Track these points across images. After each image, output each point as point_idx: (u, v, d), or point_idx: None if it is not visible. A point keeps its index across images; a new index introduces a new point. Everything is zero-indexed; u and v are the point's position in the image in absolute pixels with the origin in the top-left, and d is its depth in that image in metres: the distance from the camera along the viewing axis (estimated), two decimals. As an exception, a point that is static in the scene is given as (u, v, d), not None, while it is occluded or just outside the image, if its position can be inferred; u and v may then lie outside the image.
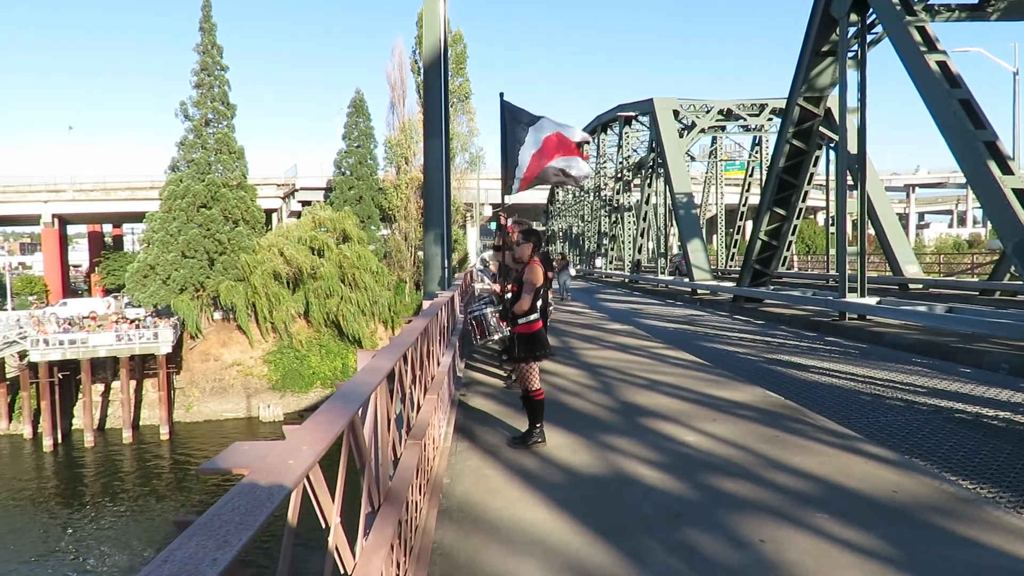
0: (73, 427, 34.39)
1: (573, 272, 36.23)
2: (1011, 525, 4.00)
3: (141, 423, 35.21)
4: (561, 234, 63.19)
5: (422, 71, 13.76)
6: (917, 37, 12.35)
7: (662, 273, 31.73)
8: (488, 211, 59.74)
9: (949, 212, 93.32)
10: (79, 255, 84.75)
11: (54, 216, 55.95)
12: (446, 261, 11.57)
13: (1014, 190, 10.51)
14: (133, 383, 34.83)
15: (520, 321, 5.74)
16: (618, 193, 40.73)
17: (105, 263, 59.77)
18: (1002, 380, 9.24)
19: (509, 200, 7.03)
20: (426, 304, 8.31)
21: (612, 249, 42.91)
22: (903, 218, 72.12)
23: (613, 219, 42.38)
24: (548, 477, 4.98)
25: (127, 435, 33.48)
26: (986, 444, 6.23)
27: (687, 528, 3.98)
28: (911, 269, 22.71)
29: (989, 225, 37.42)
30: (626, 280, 35.71)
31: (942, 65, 11.97)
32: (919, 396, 8.33)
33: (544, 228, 63.76)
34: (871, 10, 14.27)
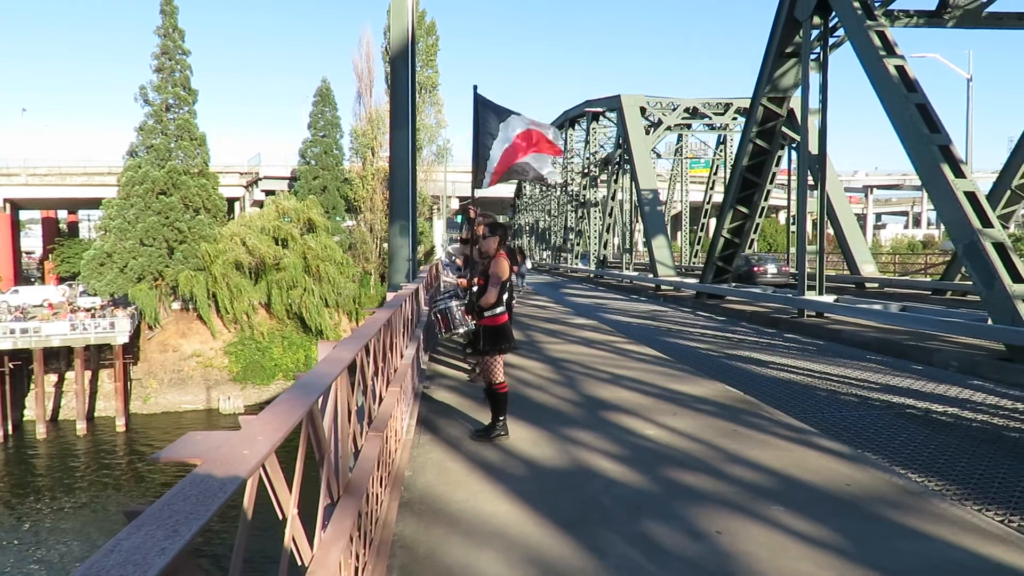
0: (24, 418, 33.44)
1: (530, 265, 36.41)
2: (956, 517, 4.14)
3: (96, 414, 34.39)
4: (528, 228, 63.32)
5: (390, 61, 13.63)
6: (877, 41, 12.62)
7: (628, 268, 32.01)
8: (455, 204, 59.52)
9: (905, 213, 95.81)
10: (32, 241, 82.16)
11: (6, 201, 54.12)
12: (412, 253, 11.52)
13: (965, 193, 10.83)
14: (88, 374, 33.97)
15: (486, 314, 5.75)
16: (585, 188, 40.96)
17: (59, 250, 58.07)
18: (951, 377, 9.54)
19: (477, 193, 7.03)
20: (390, 296, 8.26)
21: (578, 244, 43.15)
22: (861, 218, 73.88)
23: (579, 214, 42.61)
24: (510, 470, 4.99)
25: (81, 426, 32.66)
26: (934, 439, 6.43)
27: (646, 520, 4.03)
28: (868, 268, 23.28)
29: (942, 227, 38.58)
30: (591, 275, 35.96)
31: (900, 69, 12.26)
32: (872, 392, 8.55)
33: (510, 222, 63.82)
34: (833, 14, 14.55)
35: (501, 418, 5.76)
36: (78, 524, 22.93)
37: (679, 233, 50.48)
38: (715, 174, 42.07)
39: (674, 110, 32.28)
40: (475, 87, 6.95)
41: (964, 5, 14.30)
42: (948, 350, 10.80)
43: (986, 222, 10.56)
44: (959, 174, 11.08)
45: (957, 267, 19.24)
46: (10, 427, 32.08)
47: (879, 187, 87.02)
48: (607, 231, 36.58)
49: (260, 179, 56.44)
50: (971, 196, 10.85)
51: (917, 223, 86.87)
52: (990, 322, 10.25)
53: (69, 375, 34.24)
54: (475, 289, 6.01)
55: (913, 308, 13.48)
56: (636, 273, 30.63)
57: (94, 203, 47.55)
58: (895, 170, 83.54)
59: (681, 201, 48.63)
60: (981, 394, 8.43)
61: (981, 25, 14.78)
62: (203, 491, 1.22)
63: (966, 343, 11.28)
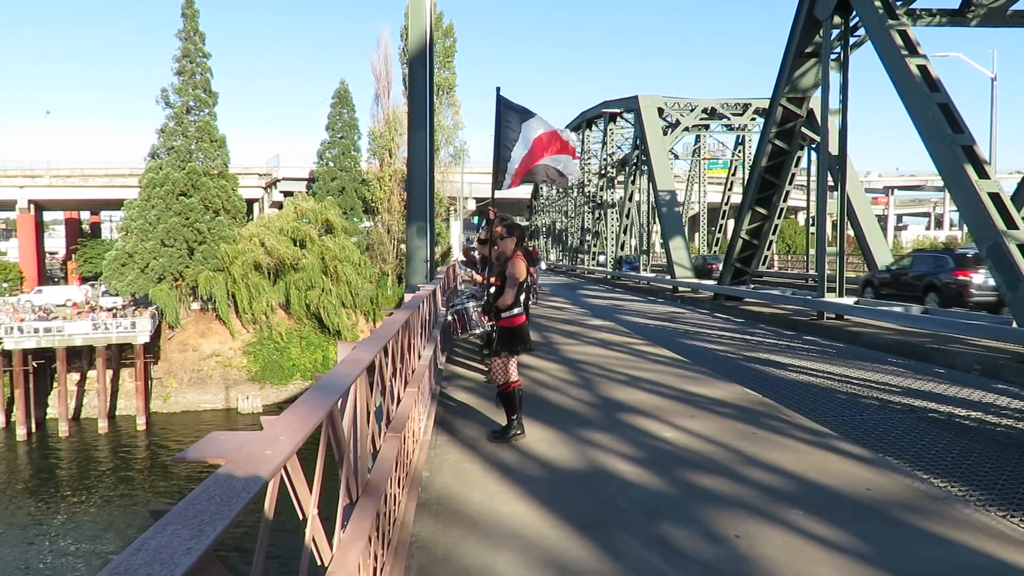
0: (48, 416, 33.92)
1: (544, 266, 36.35)
2: (980, 523, 4.08)
3: (117, 413, 34.80)
4: (545, 229, 63.28)
5: (408, 62, 13.69)
6: (899, 41, 12.48)
7: (645, 269, 31.87)
8: (472, 205, 59.61)
9: (927, 214, 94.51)
10: (55, 242, 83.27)
11: (30, 202, 54.93)
12: (429, 254, 11.55)
13: (990, 194, 10.67)
14: (110, 373, 34.39)
15: (503, 315, 5.75)
16: (602, 190, 40.81)
17: (82, 251, 58.92)
18: (974, 380, 9.41)
19: (495, 195, 7.02)
20: (408, 297, 8.29)
21: (595, 245, 43.02)
22: (882, 219, 72.94)
23: (596, 215, 42.48)
24: (527, 471, 4.99)
25: (103, 425, 33.08)
26: (957, 443, 6.34)
27: (664, 523, 4.01)
28: (889, 270, 22.97)
29: (965, 228, 37.97)
30: (608, 276, 35.86)
31: (922, 69, 12.11)
32: (894, 395, 8.45)
33: (528, 223, 63.80)
34: (854, 13, 14.40)
35: (514, 417, 5.75)
36: (103, 520, 23.23)
37: (697, 234, 50.22)
38: (733, 175, 41.83)
39: (692, 111, 32.10)
40: (497, 88, 6.93)
41: (988, 4, 14.09)
42: (971, 353, 10.65)
43: (1011, 223, 10.41)
44: (983, 175, 10.92)
45: (980, 269, 18.94)
46: (34, 425, 32.56)
47: (900, 188, 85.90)
48: (624, 232, 36.45)
49: (279, 180, 56.85)
50: (995, 197, 10.70)
51: (939, 224, 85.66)
52: (1015, 325, 10.09)
53: (91, 374, 34.69)
54: (492, 290, 6.01)
55: (935, 310, 13.30)
56: (653, 274, 30.50)
57: (116, 204, 48.15)
58: (916, 171, 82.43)
59: (699, 202, 48.37)
60: (1005, 398, 8.31)
61: (1006, 24, 14.56)
62: (227, 491, 1.23)
63: (990, 346, 11.11)
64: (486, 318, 6.12)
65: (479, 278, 8.08)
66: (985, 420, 7.24)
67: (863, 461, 5.23)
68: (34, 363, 32.70)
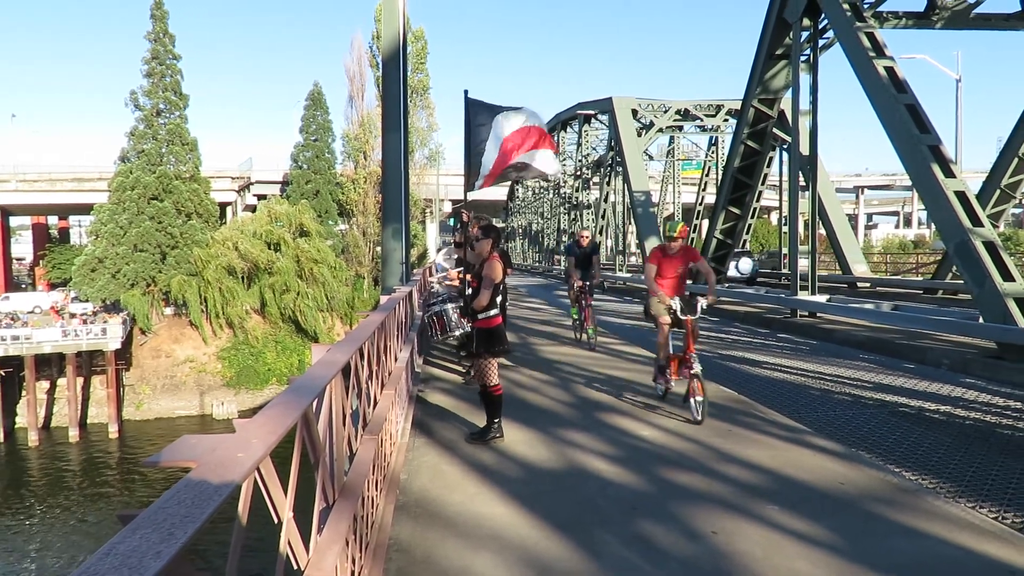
0: (16, 425, 33.17)
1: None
2: (950, 514, 4.16)
3: (89, 421, 34.16)
4: (521, 231, 63.34)
5: (380, 65, 13.61)
6: (866, 43, 12.70)
7: (621, 270, 32.04)
8: (448, 207, 59.47)
9: (896, 213, 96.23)
10: (22, 247, 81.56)
11: (-5, 207, 53.84)
12: (405, 256, 11.50)
13: (956, 193, 10.89)
14: (80, 380, 33.75)
15: (480, 316, 5.74)
16: (577, 191, 40.97)
17: (50, 256, 57.76)
18: (943, 375, 9.59)
19: (470, 196, 6.99)
20: (384, 299, 8.24)
21: (571, 246, 43.08)
22: (852, 219, 74.10)
23: (572, 216, 42.62)
24: (506, 472, 4.99)
25: (74, 433, 32.44)
26: (928, 437, 6.45)
27: (642, 521, 4.03)
28: (860, 268, 23.38)
29: (933, 227, 38.78)
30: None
31: (889, 71, 12.33)
32: (866, 391, 8.58)
33: (504, 225, 63.82)
34: (823, 15, 14.63)
35: (496, 420, 5.76)
36: (72, 530, 22.78)
37: (672, 234, 50.49)
38: (707, 176, 42.23)
39: (666, 112, 32.36)
40: (466, 91, 6.90)
41: (952, 7, 14.41)
42: (940, 348, 10.85)
43: (976, 221, 10.63)
44: (949, 174, 11.15)
45: (948, 266, 19.32)
46: (1, 434, 31.85)
47: (870, 187, 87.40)
48: (600, 233, 36.61)
49: (252, 183, 56.27)
50: (961, 196, 10.92)
51: (908, 223, 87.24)
52: (981, 320, 10.31)
53: (61, 382, 34.01)
54: (469, 292, 6.01)
55: (905, 307, 13.54)
56: (630, 275, 30.67)
57: (85, 209, 47.25)
58: (885, 170, 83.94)
59: (673, 203, 48.78)
60: (973, 392, 8.47)
61: (969, 26, 14.89)
62: (198, 494, 1.21)
63: (958, 341, 11.33)
64: (465, 319, 6.11)
65: (454, 275, 8.06)
66: (954, 414, 7.38)
67: (836, 456, 5.31)
68: (1, 371, 31.98)
